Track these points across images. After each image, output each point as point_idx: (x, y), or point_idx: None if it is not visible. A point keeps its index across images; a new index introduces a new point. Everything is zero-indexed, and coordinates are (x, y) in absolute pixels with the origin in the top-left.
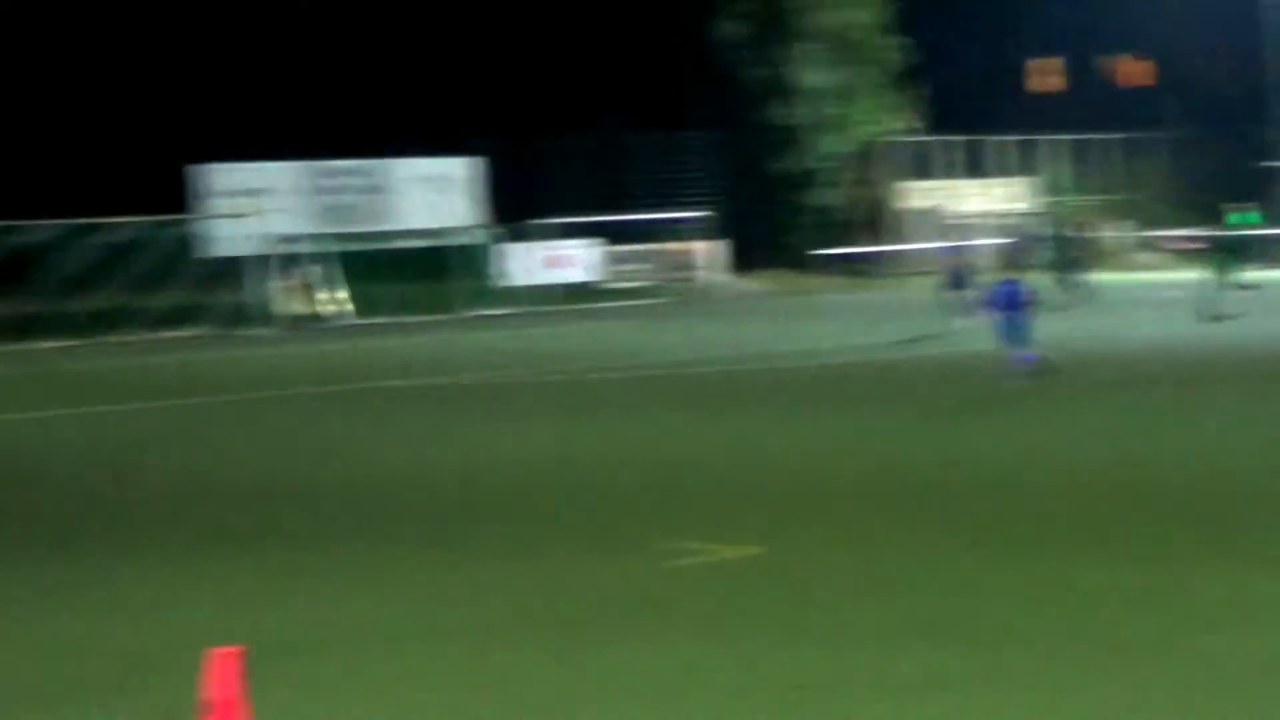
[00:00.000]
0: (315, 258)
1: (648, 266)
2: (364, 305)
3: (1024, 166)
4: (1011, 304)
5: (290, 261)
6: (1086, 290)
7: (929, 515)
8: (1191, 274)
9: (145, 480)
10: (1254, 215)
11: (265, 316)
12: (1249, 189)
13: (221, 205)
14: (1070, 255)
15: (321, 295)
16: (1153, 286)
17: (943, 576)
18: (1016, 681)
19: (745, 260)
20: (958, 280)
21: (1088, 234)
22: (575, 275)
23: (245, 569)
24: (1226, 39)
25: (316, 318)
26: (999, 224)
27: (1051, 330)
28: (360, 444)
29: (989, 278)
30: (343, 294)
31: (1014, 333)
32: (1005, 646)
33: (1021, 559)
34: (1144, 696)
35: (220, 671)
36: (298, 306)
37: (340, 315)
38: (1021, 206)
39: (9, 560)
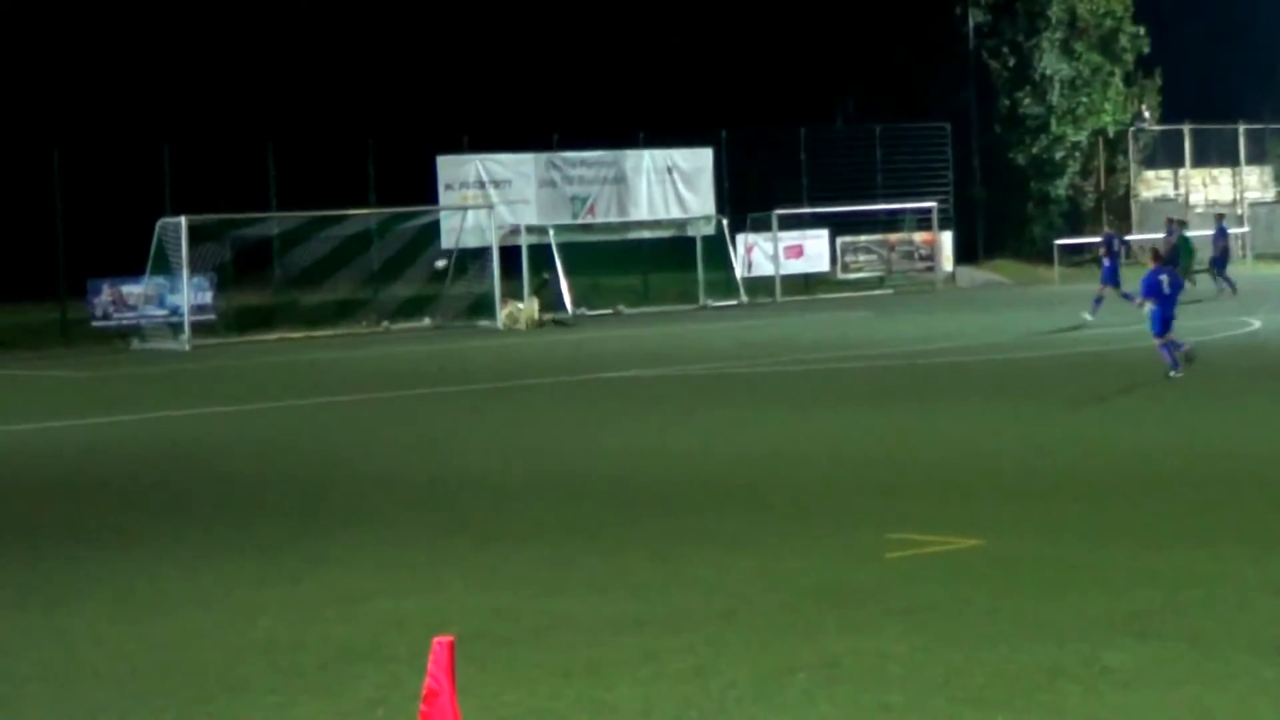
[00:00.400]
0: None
1: (880, 257)
2: (601, 296)
3: (1265, 155)
4: (1159, 294)
5: (521, 255)
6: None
7: (1148, 507)
8: None
9: (349, 473)
10: None
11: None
12: None
13: (460, 196)
14: (1218, 252)
15: (523, 306)
16: None
17: (1158, 570)
18: (1229, 681)
19: (981, 250)
20: (1111, 272)
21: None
22: (810, 266)
23: (451, 559)
24: None
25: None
26: (1237, 213)
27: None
28: (577, 436)
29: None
30: (533, 303)
31: (1162, 323)
32: (1219, 644)
33: (1240, 554)
34: None
35: (435, 660)
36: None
37: (552, 322)
38: (1263, 195)
39: (223, 559)
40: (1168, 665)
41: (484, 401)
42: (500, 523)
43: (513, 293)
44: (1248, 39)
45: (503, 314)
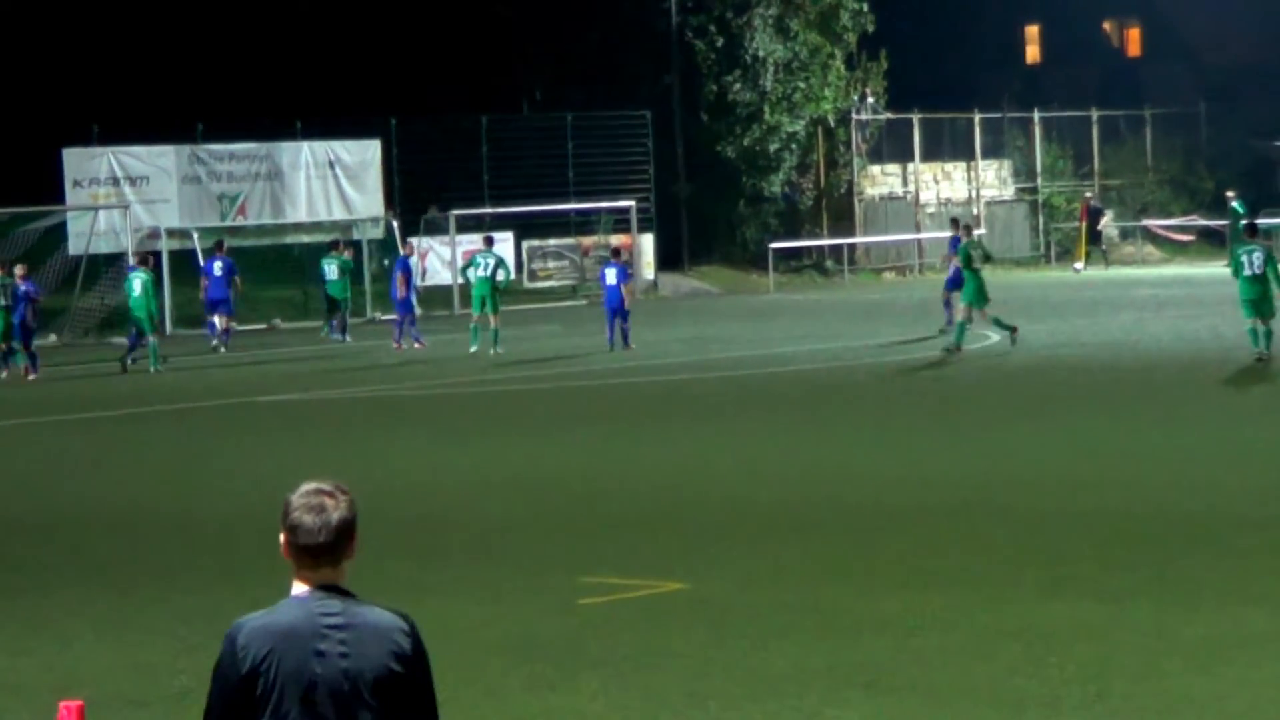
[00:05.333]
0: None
1: (572, 263)
2: (255, 309)
3: (1004, 148)
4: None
5: (162, 261)
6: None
7: (875, 544)
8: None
9: None
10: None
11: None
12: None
13: (91, 194)
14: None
15: None
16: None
17: (887, 615)
18: None
19: (687, 255)
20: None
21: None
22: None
23: (80, 610)
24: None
25: None
26: (973, 212)
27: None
28: (227, 468)
29: None
30: None
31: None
32: (956, 697)
33: (977, 597)
34: None
35: None
36: None
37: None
38: (1001, 193)
39: None
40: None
41: (116, 430)
42: (138, 567)
43: None
44: (983, 17)
45: None
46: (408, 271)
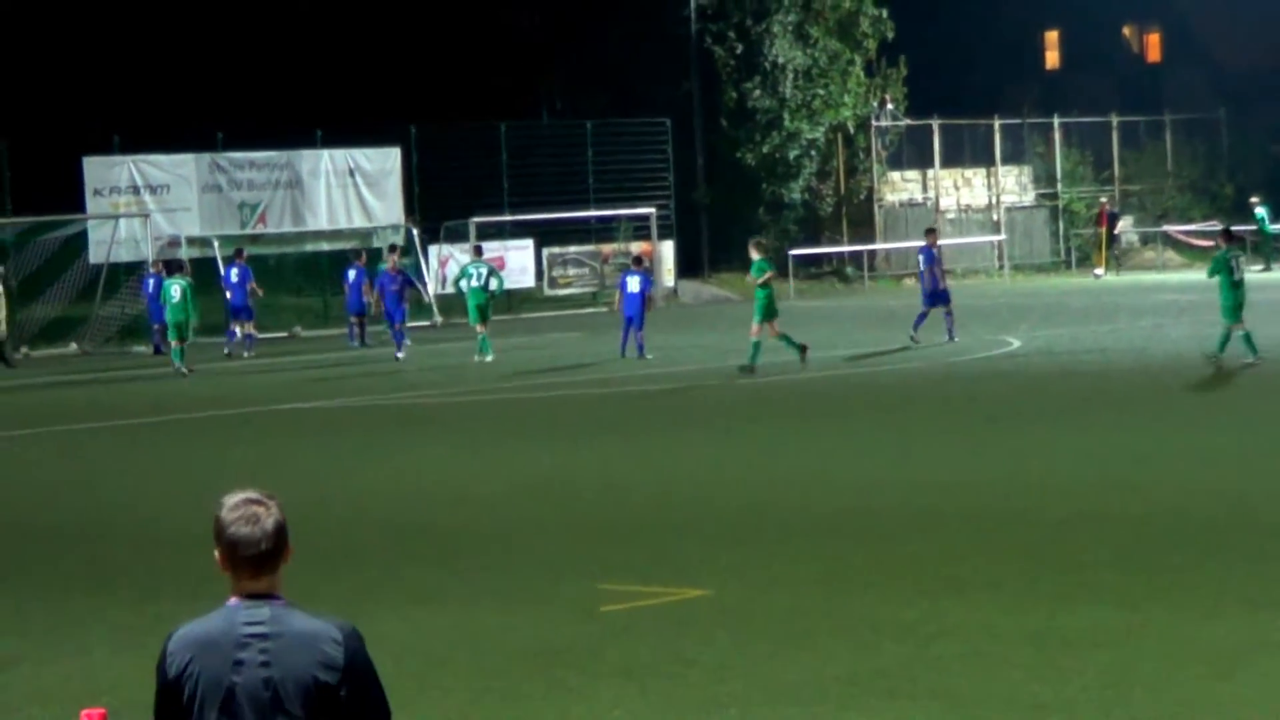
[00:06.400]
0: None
1: (593, 270)
2: (276, 317)
3: (1024, 154)
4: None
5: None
6: None
7: (894, 551)
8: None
9: None
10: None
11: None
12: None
13: (112, 203)
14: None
15: None
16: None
17: (907, 622)
18: None
19: (707, 262)
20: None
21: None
22: (513, 281)
23: (102, 618)
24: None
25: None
26: (993, 218)
27: None
28: (244, 477)
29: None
30: None
31: None
32: (976, 703)
33: (995, 603)
34: None
35: None
36: None
37: None
38: (1021, 199)
39: None
40: None
41: (136, 438)
42: (159, 575)
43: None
44: (1002, 23)
45: None
46: (381, 284)
